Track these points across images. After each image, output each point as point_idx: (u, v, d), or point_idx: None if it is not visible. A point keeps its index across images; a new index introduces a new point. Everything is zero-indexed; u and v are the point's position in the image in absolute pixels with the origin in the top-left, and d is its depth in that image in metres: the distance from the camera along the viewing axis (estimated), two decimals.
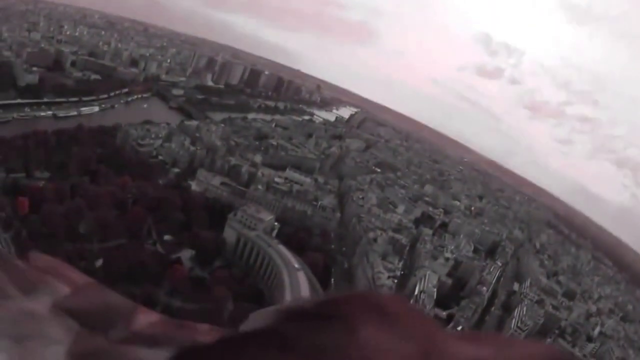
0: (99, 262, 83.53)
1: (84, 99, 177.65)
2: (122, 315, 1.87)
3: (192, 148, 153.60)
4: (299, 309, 1.18)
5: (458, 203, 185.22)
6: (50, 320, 1.78)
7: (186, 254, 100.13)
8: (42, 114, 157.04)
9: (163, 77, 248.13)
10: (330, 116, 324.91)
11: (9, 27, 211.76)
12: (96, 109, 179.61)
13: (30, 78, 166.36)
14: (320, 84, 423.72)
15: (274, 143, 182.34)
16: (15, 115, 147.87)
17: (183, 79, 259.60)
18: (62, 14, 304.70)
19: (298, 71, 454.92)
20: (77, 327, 1.77)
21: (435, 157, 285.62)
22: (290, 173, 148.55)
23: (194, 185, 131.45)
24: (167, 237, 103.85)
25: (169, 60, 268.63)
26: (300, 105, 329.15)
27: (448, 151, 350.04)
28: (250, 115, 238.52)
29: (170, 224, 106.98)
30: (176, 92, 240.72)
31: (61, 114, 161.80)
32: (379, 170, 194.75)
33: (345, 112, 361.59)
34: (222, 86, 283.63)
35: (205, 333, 2.19)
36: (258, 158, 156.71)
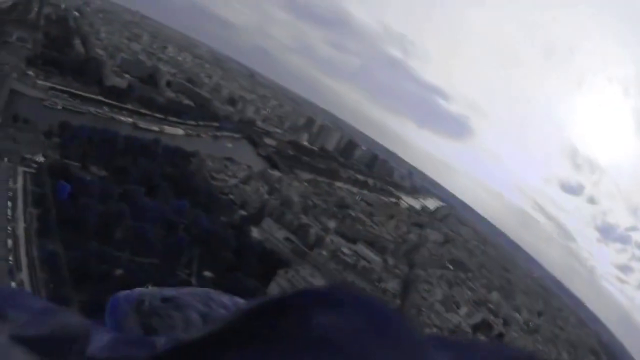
0: (119, 272, 75.89)
1: (171, 118, 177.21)
2: (77, 339, 1.84)
3: (266, 196, 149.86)
4: (250, 309, 1.22)
5: (518, 316, 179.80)
6: (9, 353, 1.72)
7: None
8: (122, 118, 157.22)
9: (259, 123, 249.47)
10: (417, 204, 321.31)
11: (108, 29, 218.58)
12: (180, 132, 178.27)
13: (118, 81, 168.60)
14: (413, 171, 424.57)
15: (353, 214, 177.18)
16: (92, 109, 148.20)
17: (279, 131, 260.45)
18: (168, 36, 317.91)
19: (394, 154, 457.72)
20: (36, 357, 1.73)
21: (506, 265, 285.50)
22: (360, 247, 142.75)
23: (256, 233, 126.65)
24: (206, 274, 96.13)
25: (268, 110, 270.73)
26: (390, 187, 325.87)
27: (519, 261, 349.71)
28: (338, 184, 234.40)
29: (215, 262, 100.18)
30: (268, 141, 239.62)
31: (142, 125, 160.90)
32: (451, 267, 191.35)
33: (432, 204, 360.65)
34: (316, 148, 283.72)
35: (162, 347, 2.05)
36: (332, 224, 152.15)
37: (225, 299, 1.73)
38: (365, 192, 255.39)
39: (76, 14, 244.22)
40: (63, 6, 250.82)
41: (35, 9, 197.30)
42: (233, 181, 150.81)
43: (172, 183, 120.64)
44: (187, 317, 2.06)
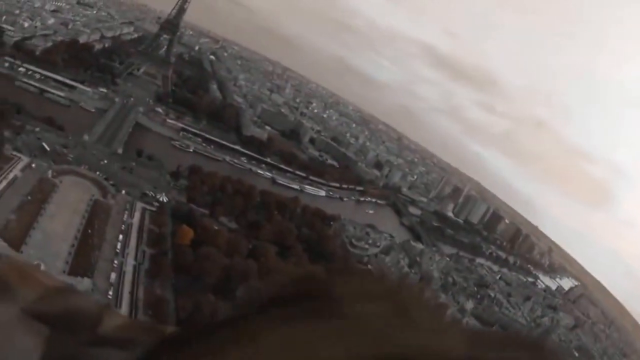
0: None
1: (313, 178, 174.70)
2: (89, 318, 1.94)
3: (406, 269, 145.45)
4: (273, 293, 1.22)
5: None
6: (19, 327, 1.84)
7: None
8: (260, 171, 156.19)
9: (404, 190, 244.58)
10: (552, 284, 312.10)
11: (247, 77, 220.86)
12: (322, 193, 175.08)
13: (258, 132, 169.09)
14: (552, 247, 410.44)
15: (492, 295, 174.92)
16: (228, 158, 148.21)
17: (424, 199, 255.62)
18: (313, 91, 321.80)
19: (536, 228, 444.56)
20: (47, 331, 1.84)
21: (626, 349, 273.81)
22: None
23: None
24: None
25: (415, 177, 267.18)
26: (529, 265, 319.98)
27: (637, 344, 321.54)
28: (479, 260, 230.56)
29: None
30: (413, 210, 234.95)
31: (281, 181, 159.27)
32: (576, 354, 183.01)
33: (566, 283, 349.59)
34: (461, 221, 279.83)
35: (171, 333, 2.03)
36: (469, 305, 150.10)
37: None
38: (505, 270, 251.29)
39: (212, 57, 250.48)
40: (197, 47, 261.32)
41: (165, 46, 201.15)
42: (373, 250, 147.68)
43: (307, 246, 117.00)
44: None
